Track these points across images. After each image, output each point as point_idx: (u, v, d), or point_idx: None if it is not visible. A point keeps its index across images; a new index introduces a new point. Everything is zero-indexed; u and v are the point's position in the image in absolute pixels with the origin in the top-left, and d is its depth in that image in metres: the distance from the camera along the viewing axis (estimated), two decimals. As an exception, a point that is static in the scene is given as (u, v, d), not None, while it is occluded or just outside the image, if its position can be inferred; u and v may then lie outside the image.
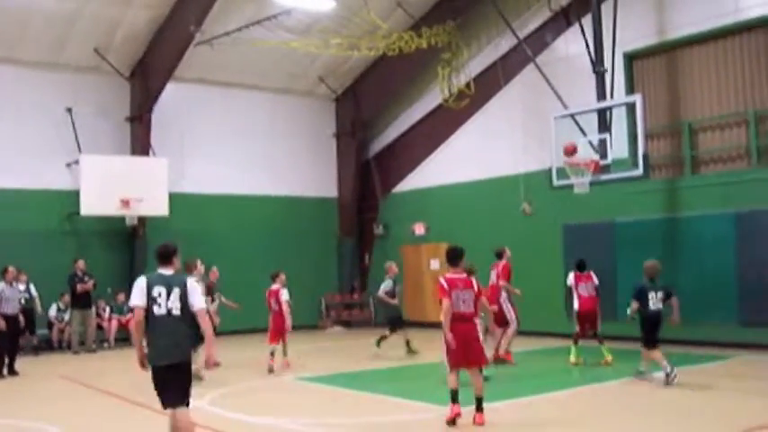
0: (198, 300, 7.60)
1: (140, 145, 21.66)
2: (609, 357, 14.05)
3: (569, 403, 11.11)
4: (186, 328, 7.55)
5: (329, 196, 25.84)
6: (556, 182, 16.84)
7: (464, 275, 9.65)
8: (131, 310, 7.68)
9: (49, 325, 19.57)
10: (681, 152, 17.70)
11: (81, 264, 19.23)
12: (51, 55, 20.72)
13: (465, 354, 9.35)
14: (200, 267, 13.96)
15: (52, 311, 19.54)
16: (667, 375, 11.87)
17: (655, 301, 12.25)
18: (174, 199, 21.23)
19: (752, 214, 15.92)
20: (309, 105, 25.62)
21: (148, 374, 7.53)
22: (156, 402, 7.66)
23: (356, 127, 25.46)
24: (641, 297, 12.26)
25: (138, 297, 7.41)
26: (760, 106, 16.40)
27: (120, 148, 21.77)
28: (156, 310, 7.37)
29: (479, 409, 9.28)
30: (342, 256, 25.82)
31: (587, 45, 17.18)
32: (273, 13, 19.95)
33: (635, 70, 18.54)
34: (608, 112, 16.52)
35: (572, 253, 18.19)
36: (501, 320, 14.40)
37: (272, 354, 14.83)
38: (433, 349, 13.53)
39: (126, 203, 20.26)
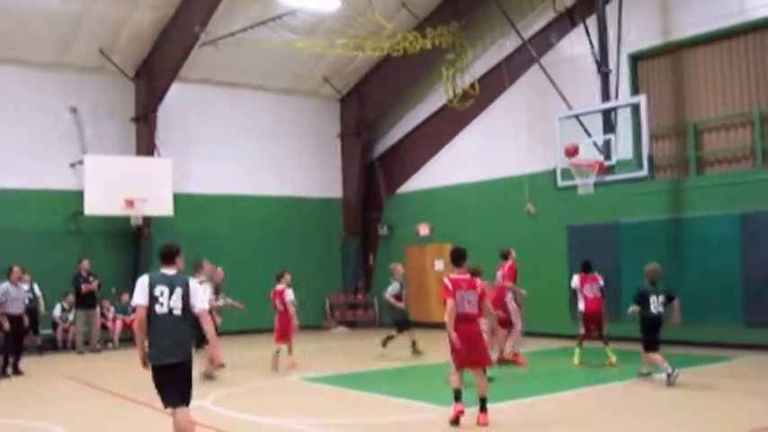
0: (200, 301, 7.65)
1: (145, 145, 21.70)
2: (613, 359, 14.03)
3: (573, 404, 11.09)
4: (187, 328, 7.59)
5: (333, 197, 25.85)
6: (560, 183, 16.84)
7: (468, 276, 9.67)
8: (135, 309, 7.71)
9: (54, 325, 19.61)
10: (686, 153, 17.68)
11: (85, 264, 19.26)
12: (56, 55, 20.76)
13: (469, 354, 9.37)
14: (208, 268, 13.99)
15: (56, 311, 19.57)
16: (668, 376, 11.86)
17: (656, 304, 12.28)
18: (179, 199, 21.24)
19: (757, 215, 15.89)
20: (314, 106, 25.63)
21: (150, 374, 7.54)
22: (158, 402, 7.66)
23: (361, 127, 25.46)
24: (642, 300, 12.31)
25: (140, 296, 7.43)
26: (765, 107, 16.37)
27: (124, 149, 21.81)
28: (157, 309, 7.39)
29: (483, 409, 9.28)
30: (346, 257, 25.82)
31: (592, 46, 17.18)
32: (278, 14, 19.96)
33: (640, 71, 18.52)
34: (613, 113, 16.52)
35: (576, 254, 18.16)
36: (505, 321, 14.38)
37: (278, 352, 14.90)
38: (437, 350, 13.52)
39: (130, 203, 20.29)
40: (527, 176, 19.85)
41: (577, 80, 18.33)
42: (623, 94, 17.33)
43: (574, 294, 14.99)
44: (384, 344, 16.66)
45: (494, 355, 13.21)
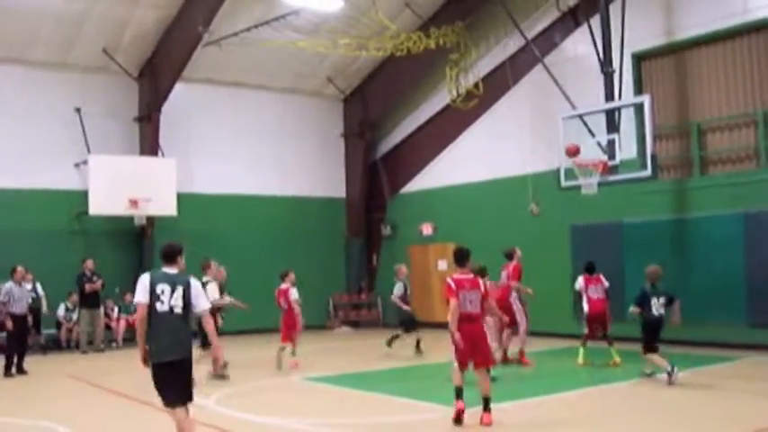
0: (202, 302, 7.73)
1: (149, 145, 21.72)
2: (617, 359, 14.01)
3: (577, 404, 11.09)
4: (188, 327, 7.66)
5: (337, 197, 25.85)
6: (564, 182, 16.82)
7: (471, 276, 9.68)
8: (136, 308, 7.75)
9: (58, 324, 19.63)
10: (689, 153, 17.65)
11: (90, 263, 19.29)
12: (60, 55, 20.79)
13: (472, 354, 9.39)
14: (215, 268, 14.02)
15: (60, 311, 19.60)
16: (669, 374, 11.90)
17: (657, 306, 12.31)
18: (183, 199, 21.28)
19: (760, 215, 15.86)
20: (317, 106, 25.64)
21: (150, 372, 7.59)
22: (161, 402, 7.70)
23: (364, 127, 25.46)
24: (643, 302, 12.36)
25: (141, 293, 7.48)
26: (769, 107, 16.37)
27: (128, 149, 21.83)
28: (158, 306, 7.44)
29: (487, 409, 9.30)
30: (349, 257, 25.83)
31: (595, 45, 17.15)
32: (282, 14, 19.98)
33: (643, 71, 18.50)
34: (616, 113, 16.49)
35: (580, 254, 18.17)
36: (511, 321, 14.35)
37: (283, 350, 14.95)
38: (440, 349, 13.54)
39: (134, 203, 20.32)
40: (530, 176, 19.84)
41: (581, 80, 18.31)
42: (627, 94, 17.29)
43: (578, 296, 14.98)
44: (389, 344, 16.70)
45: (497, 355, 13.24)
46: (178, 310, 7.50)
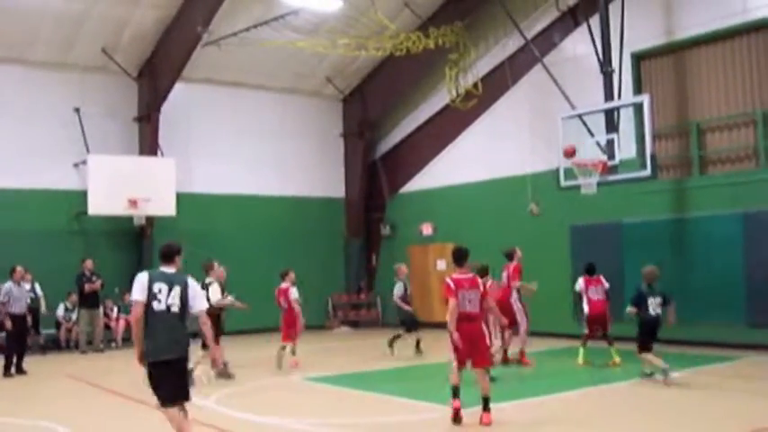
0: (199, 302, 7.79)
1: (148, 145, 21.71)
2: (617, 359, 14.02)
3: (577, 404, 11.09)
4: (184, 326, 7.69)
5: (336, 196, 25.85)
6: (563, 182, 16.82)
7: (470, 275, 9.68)
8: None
9: (57, 324, 19.63)
10: (689, 152, 17.65)
11: (89, 263, 19.29)
12: (59, 55, 20.78)
13: (471, 353, 9.40)
14: (218, 269, 14.04)
15: (60, 311, 19.59)
16: (664, 371, 11.97)
17: (654, 306, 12.37)
18: (182, 199, 21.27)
19: (760, 214, 15.86)
20: (317, 105, 25.64)
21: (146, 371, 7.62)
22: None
23: (363, 127, 25.46)
24: (640, 302, 12.41)
25: (138, 292, 7.52)
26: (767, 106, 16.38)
27: (127, 148, 21.83)
28: (155, 305, 7.48)
29: (486, 408, 9.30)
30: (349, 257, 25.83)
31: (595, 45, 17.15)
32: (281, 14, 19.98)
33: (642, 70, 18.50)
34: (615, 113, 16.49)
35: (579, 254, 18.19)
36: (511, 322, 14.34)
37: (283, 349, 14.97)
38: (440, 349, 13.53)
39: (133, 203, 20.32)
40: (530, 176, 19.84)
41: (580, 80, 18.32)
42: (626, 94, 17.30)
43: (578, 297, 14.98)
44: (391, 344, 16.70)
45: (497, 357, 13.26)
46: (175, 309, 7.54)
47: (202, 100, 23.10)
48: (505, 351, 14.55)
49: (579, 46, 18.95)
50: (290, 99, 24.91)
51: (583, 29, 18.29)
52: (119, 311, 20.10)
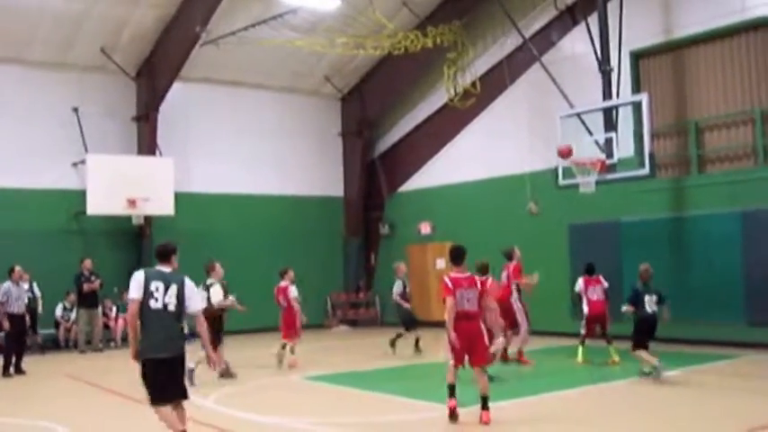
0: (196, 302, 7.88)
1: (146, 144, 21.71)
2: (616, 357, 14.04)
3: (576, 402, 11.10)
4: (180, 325, 7.77)
5: (335, 196, 25.84)
6: (562, 181, 16.85)
7: (468, 274, 9.69)
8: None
9: (56, 324, 19.63)
10: (687, 151, 17.66)
11: (88, 263, 19.27)
12: (58, 55, 20.78)
13: (469, 352, 9.41)
14: (219, 270, 14.06)
15: (58, 311, 19.60)
16: (656, 369, 12.10)
17: (650, 303, 12.45)
18: (180, 198, 21.26)
19: (758, 213, 15.88)
20: (315, 104, 25.63)
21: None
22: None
23: (362, 126, 25.46)
24: (637, 300, 12.47)
25: (135, 289, 7.58)
26: (766, 105, 16.35)
27: (126, 148, 21.82)
28: (152, 303, 7.54)
29: (485, 407, 9.30)
30: (348, 256, 25.82)
31: (593, 44, 17.16)
32: (279, 13, 19.99)
33: (641, 69, 18.50)
34: (614, 111, 16.50)
35: (578, 252, 18.21)
36: (511, 322, 14.35)
37: (284, 348, 14.99)
38: (439, 348, 13.55)
39: (132, 203, 20.31)
40: (528, 175, 19.84)
41: (579, 78, 18.32)
42: (625, 93, 17.32)
43: (578, 297, 14.99)
44: (392, 343, 16.71)
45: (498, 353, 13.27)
46: (172, 307, 7.61)
47: (201, 99, 23.09)
48: (505, 350, 14.54)
49: (578, 45, 18.96)
50: (288, 98, 24.90)
51: (581, 27, 18.29)
52: (117, 311, 20.10)
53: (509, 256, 14.89)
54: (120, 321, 19.91)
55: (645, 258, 13.32)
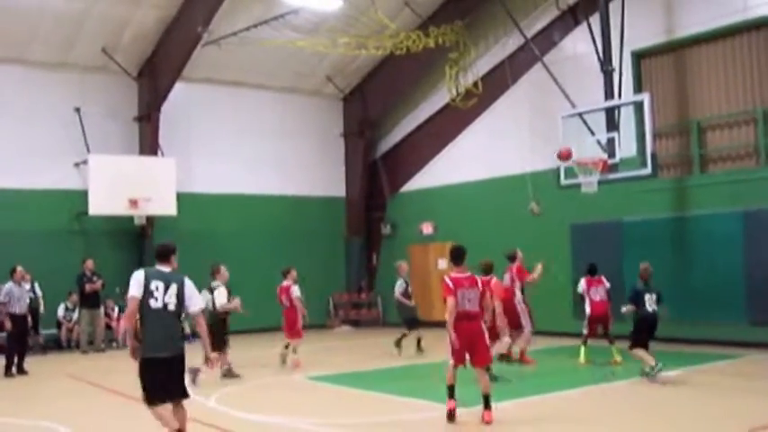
0: (196, 302, 7.91)
1: (148, 145, 21.72)
2: (618, 358, 14.03)
3: (578, 402, 11.09)
4: (180, 324, 7.88)
5: (337, 196, 25.84)
6: (563, 181, 16.81)
7: (468, 274, 9.69)
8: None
9: (58, 324, 19.64)
10: (689, 151, 17.65)
11: (90, 263, 19.29)
12: (60, 55, 20.79)
13: (470, 352, 9.42)
14: (224, 272, 14.08)
15: (60, 311, 19.62)
16: (652, 370, 12.10)
17: (651, 302, 12.47)
18: (182, 199, 21.27)
19: (760, 212, 15.86)
20: (317, 105, 25.64)
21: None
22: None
23: (364, 126, 25.46)
24: (638, 300, 12.49)
25: (135, 288, 7.62)
26: (768, 104, 16.37)
27: (128, 148, 21.83)
28: (152, 303, 7.58)
29: (487, 407, 9.31)
30: (349, 256, 25.83)
31: (595, 44, 17.14)
32: (281, 13, 20.00)
33: (643, 69, 18.49)
34: (616, 111, 16.48)
35: (579, 252, 18.21)
36: (515, 323, 14.32)
37: (287, 347, 15.01)
38: (441, 348, 13.50)
39: (134, 203, 20.32)
40: (530, 175, 19.79)
41: (580, 78, 18.31)
42: (626, 93, 17.29)
43: (580, 298, 14.98)
44: (398, 344, 16.71)
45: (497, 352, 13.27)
46: (172, 307, 7.65)
47: (203, 99, 23.11)
48: (509, 350, 14.53)
49: (579, 44, 18.94)
50: (290, 98, 24.91)
51: (583, 27, 18.28)
52: (119, 311, 20.09)
53: (511, 258, 14.89)
54: (123, 322, 19.91)
55: (647, 258, 13.30)
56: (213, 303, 13.53)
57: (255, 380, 13.70)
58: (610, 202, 17.69)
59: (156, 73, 21.70)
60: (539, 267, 14.77)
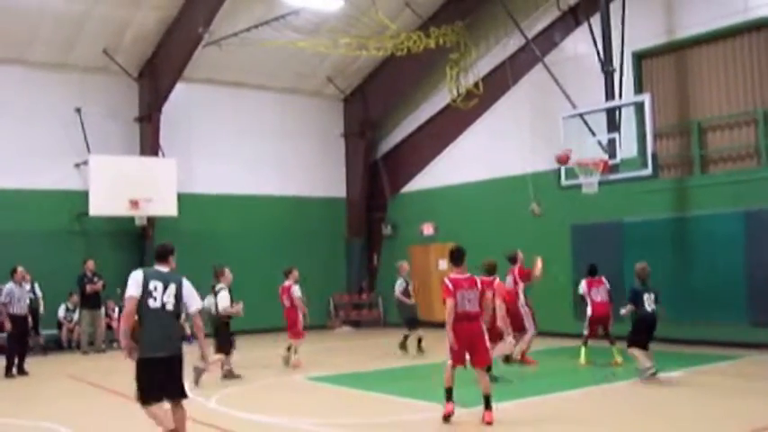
0: (195, 302, 7.95)
1: (149, 145, 21.72)
2: (619, 358, 14.01)
3: (578, 403, 11.08)
4: (178, 324, 7.94)
5: (338, 196, 25.84)
6: (564, 182, 16.81)
7: (468, 275, 9.70)
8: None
9: (59, 325, 19.65)
10: (690, 151, 17.64)
11: (90, 264, 19.29)
12: (60, 56, 20.80)
13: (470, 352, 9.44)
14: (228, 275, 14.09)
15: (61, 312, 19.62)
16: (646, 371, 12.15)
17: (649, 302, 12.50)
18: (183, 199, 21.27)
19: (761, 213, 15.85)
20: (318, 105, 25.64)
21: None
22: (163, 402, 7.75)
23: (364, 127, 25.46)
24: (637, 300, 12.51)
25: (133, 288, 7.68)
26: (769, 105, 16.36)
27: (128, 149, 21.83)
28: (150, 303, 7.63)
29: (488, 407, 9.31)
30: (350, 257, 25.82)
31: (596, 44, 17.14)
32: (282, 14, 20.00)
33: (644, 70, 18.49)
34: (617, 112, 16.47)
35: (580, 253, 18.20)
36: (519, 326, 14.30)
37: (288, 349, 15.02)
38: (441, 349, 13.49)
39: (135, 204, 20.31)
40: (531, 176, 19.79)
41: (581, 79, 18.31)
42: (627, 93, 17.28)
43: (581, 299, 14.98)
44: (402, 346, 16.71)
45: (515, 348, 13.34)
46: (170, 307, 7.69)
47: (203, 100, 23.11)
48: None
49: (580, 45, 18.95)
50: (290, 99, 24.91)
51: (584, 28, 18.27)
52: (120, 312, 20.07)
53: (512, 260, 14.87)
54: (120, 321, 19.90)
55: (648, 259, 13.30)
56: (215, 306, 13.57)
57: (256, 381, 13.71)
58: (610, 202, 17.69)
59: (157, 73, 21.71)
60: (538, 263, 14.71)
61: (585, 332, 14.60)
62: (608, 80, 16.92)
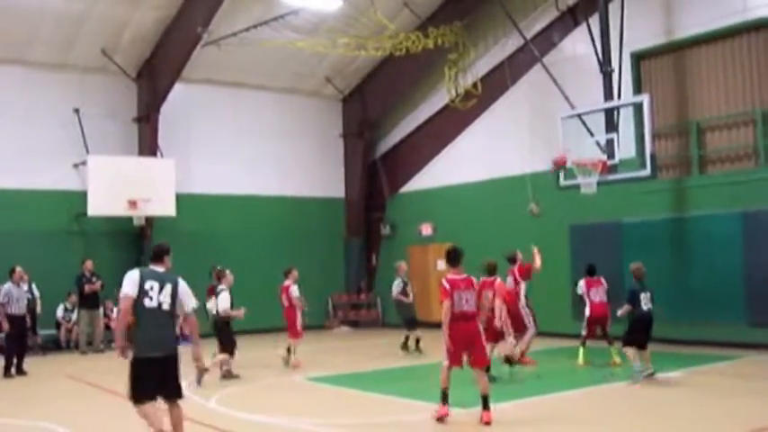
0: (191, 302, 7.97)
1: (147, 145, 21.71)
2: (617, 359, 14.02)
3: (577, 403, 11.09)
4: (174, 324, 7.92)
5: (336, 196, 25.84)
6: (563, 182, 16.82)
7: (465, 275, 9.72)
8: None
9: (57, 325, 19.64)
10: (688, 152, 17.66)
11: (89, 264, 19.28)
12: (59, 56, 20.78)
13: (468, 353, 9.47)
14: (230, 277, 14.10)
15: (59, 312, 19.61)
16: (639, 374, 12.18)
17: (645, 301, 12.54)
18: (182, 199, 21.26)
19: (759, 214, 15.87)
20: (316, 105, 25.64)
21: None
22: (161, 401, 7.75)
23: (363, 127, 25.46)
24: (634, 300, 12.54)
25: (129, 287, 7.69)
26: (767, 105, 16.34)
27: (127, 149, 21.82)
28: (147, 302, 7.64)
29: (486, 407, 9.32)
30: (349, 257, 25.82)
31: (594, 45, 17.15)
32: (281, 14, 20.00)
33: (642, 70, 18.50)
34: (615, 112, 16.49)
35: (579, 253, 18.20)
36: (520, 327, 14.30)
37: (288, 350, 15.02)
38: (440, 349, 13.50)
39: (133, 204, 20.30)
40: (529, 176, 19.78)
41: (580, 79, 18.31)
42: (626, 94, 17.28)
43: (580, 299, 14.98)
44: (404, 346, 16.73)
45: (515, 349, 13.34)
46: (166, 306, 7.70)
47: (202, 100, 23.10)
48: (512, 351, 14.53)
49: (579, 45, 18.95)
50: (289, 99, 24.91)
51: (582, 28, 18.29)
52: (118, 312, 20.05)
53: (512, 260, 14.86)
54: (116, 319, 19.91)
55: (646, 259, 13.32)
56: (217, 308, 13.61)
57: (255, 380, 13.71)
58: (609, 202, 17.70)
59: (156, 74, 21.70)
60: (535, 254, 14.61)
61: (584, 332, 14.60)
62: (606, 80, 16.93)
